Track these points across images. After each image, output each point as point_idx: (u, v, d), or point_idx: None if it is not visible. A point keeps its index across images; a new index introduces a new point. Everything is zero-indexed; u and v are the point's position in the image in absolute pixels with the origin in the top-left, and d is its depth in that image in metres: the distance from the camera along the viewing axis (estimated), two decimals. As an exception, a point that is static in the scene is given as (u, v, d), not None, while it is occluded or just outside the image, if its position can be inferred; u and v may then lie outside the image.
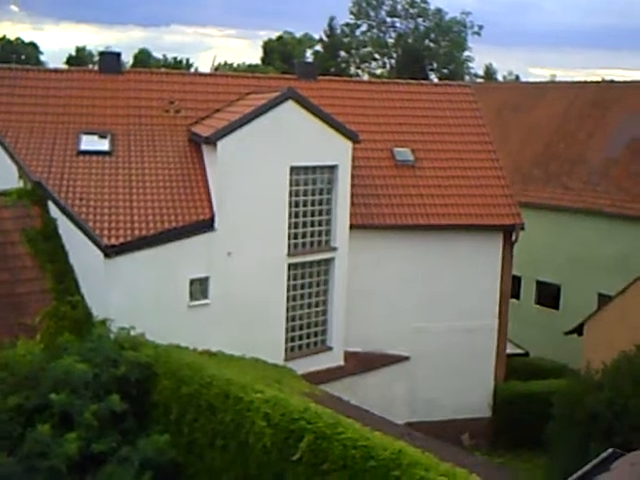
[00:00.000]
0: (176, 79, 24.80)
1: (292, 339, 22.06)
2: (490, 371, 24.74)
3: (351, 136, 21.75)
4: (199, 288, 19.82)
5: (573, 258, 31.18)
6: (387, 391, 23.24)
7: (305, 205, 21.70)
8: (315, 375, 21.34)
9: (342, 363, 22.76)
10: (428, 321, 23.68)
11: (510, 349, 26.70)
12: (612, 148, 33.29)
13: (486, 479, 10.69)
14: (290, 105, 20.64)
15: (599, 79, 43.26)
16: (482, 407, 24.55)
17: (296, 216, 21.54)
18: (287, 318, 21.64)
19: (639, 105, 33.69)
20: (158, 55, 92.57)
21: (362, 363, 23.10)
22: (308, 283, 22.24)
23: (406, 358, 23.73)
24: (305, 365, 21.55)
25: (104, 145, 21.26)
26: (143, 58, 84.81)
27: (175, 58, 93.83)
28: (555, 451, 18.92)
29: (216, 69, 72.77)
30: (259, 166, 20.18)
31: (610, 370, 18.40)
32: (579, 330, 24.45)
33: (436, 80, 63.23)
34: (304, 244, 21.92)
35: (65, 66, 68.45)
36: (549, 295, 32.78)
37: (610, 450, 3.80)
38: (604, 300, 26.12)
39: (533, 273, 32.64)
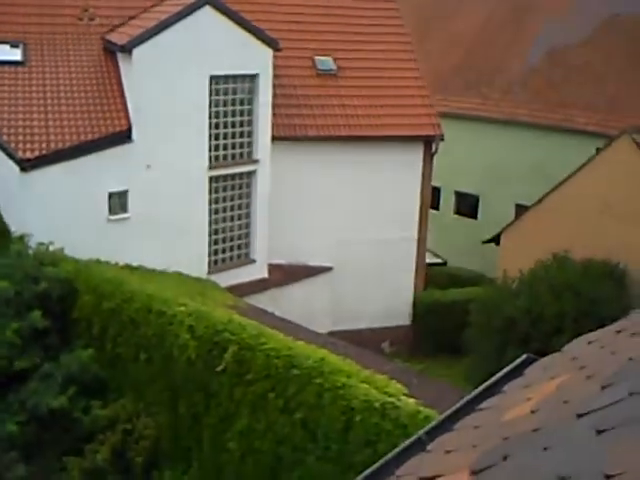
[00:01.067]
0: (88, -16, 23.73)
1: (215, 252, 21.99)
2: (410, 280, 25.22)
3: (272, 43, 21.30)
4: (118, 202, 19.47)
5: (491, 169, 31.64)
6: (310, 302, 23.51)
7: (226, 116, 21.34)
8: (239, 287, 21.41)
9: (266, 275, 22.87)
10: (351, 232, 23.85)
11: (429, 259, 27.22)
12: (532, 57, 33.48)
13: (405, 384, 10.99)
14: (208, 11, 20.04)
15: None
16: (402, 315, 25.11)
17: (217, 127, 21.18)
18: (210, 231, 21.52)
19: (558, 15, 33.83)
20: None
21: (285, 275, 23.24)
22: (230, 196, 22.07)
23: (329, 269, 23.98)
24: (229, 278, 21.57)
25: (16, 55, 20.35)
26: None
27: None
28: (473, 357, 19.55)
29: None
30: (177, 75, 19.66)
31: (527, 278, 18.94)
32: (496, 240, 25.01)
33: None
34: (225, 156, 21.64)
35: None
36: (468, 205, 33.34)
37: (524, 356, 3.92)
38: (521, 210, 26.71)
39: (452, 184, 33.05)
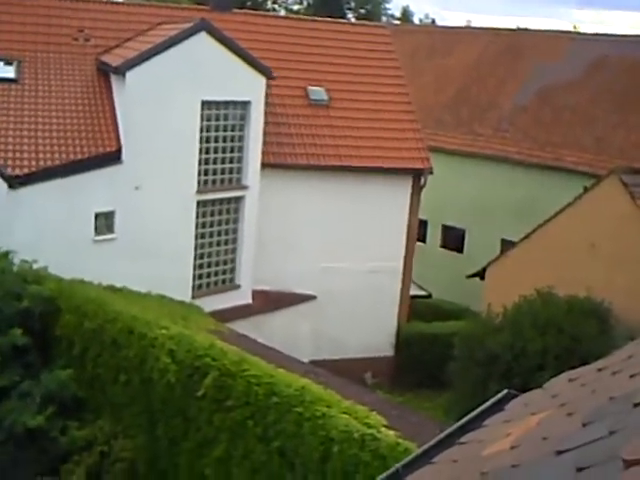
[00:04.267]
0: (87, 6, 23.79)
1: (200, 276, 21.94)
2: (394, 311, 25.22)
3: (265, 72, 21.44)
4: (105, 222, 19.44)
5: (479, 204, 31.80)
6: (293, 330, 23.45)
7: (217, 141, 21.41)
8: (222, 313, 21.33)
9: (250, 301, 22.82)
10: (336, 261, 23.87)
11: (414, 291, 27.23)
12: (523, 96, 33.84)
13: (386, 416, 10.94)
14: (203, 37, 20.17)
15: (513, 26, 43.67)
16: (385, 346, 25.07)
17: (207, 152, 21.23)
18: (195, 255, 21.49)
19: (550, 54, 34.24)
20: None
21: (270, 302, 23.20)
22: (218, 221, 22.07)
23: (313, 297, 23.95)
24: (213, 303, 21.50)
25: (10, 72, 20.38)
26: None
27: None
28: (455, 391, 19.49)
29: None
30: (169, 99, 19.73)
31: (510, 313, 18.95)
32: (481, 274, 25.06)
33: (353, 20, 62.79)
34: (214, 181, 21.68)
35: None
36: (454, 239, 33.45)
37: (505, 391, 3.92)
38: (507, 245, 26.81)
39: (440, 217, 33.18)
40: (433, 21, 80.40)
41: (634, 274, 19.56)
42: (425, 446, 3.67)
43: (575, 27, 57.84)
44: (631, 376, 2.82)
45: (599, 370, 3.60)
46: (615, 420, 2.25)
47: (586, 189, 22.12)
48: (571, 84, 32.67)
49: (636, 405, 2.24)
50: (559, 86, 32.97)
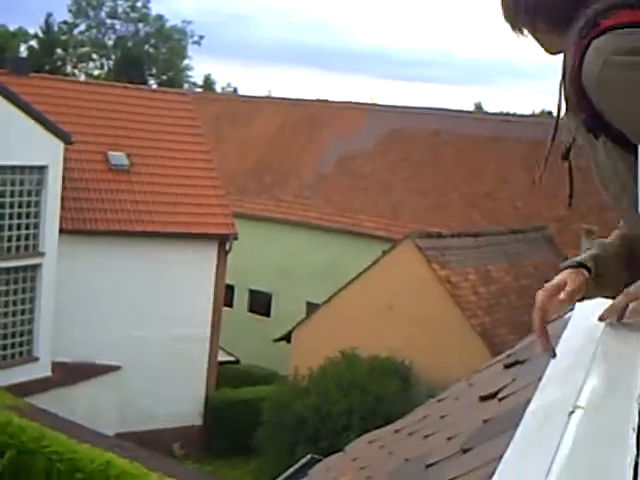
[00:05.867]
0: None
1: (-6, 349, 20.74)
2: (202, 379, 24.89)
3: (63, 136, 20.92)
4: None
5: (284, 268, 32.29)
6: (97, 402, 22.54)
7: (12, 207, 20.53)
8: (20, 387, 20.18)
9: (49, 374, 21.77)
10: (141, 329, 23.31)
11: (222, 357, 27.07)
12: (323, 164, 35.05)
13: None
14: (-2, 100, 19.47)
15: (313, 97, 45.36)
16: (194, 415, 24.62)
17: (1, 218, 20.30)
18: (-11, 327, 20.32)
19: (348, 126, 35.80)
20: None
21: (70, 373, 22.23)
22: (13, 290, 21.04)
23: (117, 367, 23.20)
24: (9, 376, 20.30)
25: None
26: None
27: None
28: (264, 456, 19.43)
29: None
30: (-39, 164, 18.80)
31: (316, 376, 19.24)
32: (288, 337, 25.33)
33: (155, 86, 62.74)
34: (9, 248, 20.70)
35: None
36: (261, 303, 33.69)
37: (308, 456, 3.97)
38: (312, 308, 27.31)
39: (246, 282, 33.34)
40: (235, 90, 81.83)
41: (431, 333, 20.49)
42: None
43: (372, 99, 60.74)
44: (425, 437, 2.93)
45: (396, 431, 3.72)
46: (409, 482, 2.33)
47: (384, 253, 23.04)
48: (369, 153, 34.24)
49: (428, 466, 2.33)
50: (357, 155, 34.46)
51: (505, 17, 1.95)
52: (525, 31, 1.94)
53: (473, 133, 33.15)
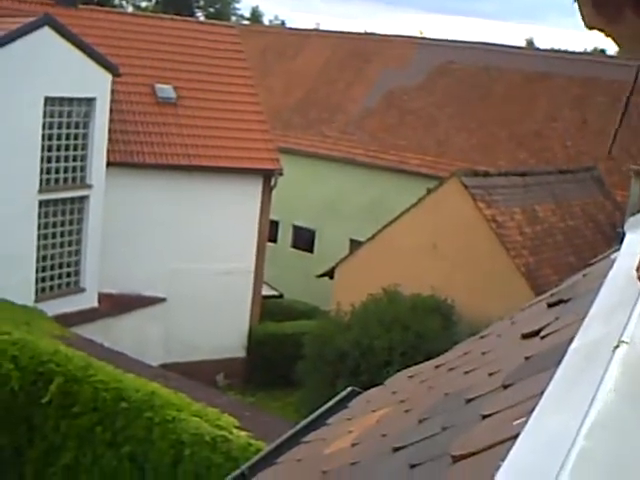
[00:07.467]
0: None
1: (43, 279, 21.13)
2: (246, 312, 25.20)
3: (111, 68, 20.91)
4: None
5: (328, 205, 32.28)
6: (142, 333, 22.98)
7: (59, 139, 20.68)
8: (67, 317, 20.61)
9: (96, 305, 22.19)
10: (186, 262, 23.59)
11: (266, 291, 27.32)
12: (370, 99, 34.63)
13: (238, 417, 10.94)
14: (46, 32, 19.43)
15: (361, 30, 44.64)
16: (237, 348, 25.00)
17: (49, 150, 20.47)
18: (38, 257, 20.67)
19: (396, 59, 35.23)
20: None
21: (117, 305, 22.64)
22: (61, 221, 21.33)
23: (162, 299, 23.58)
24: (57, 307, 20.73)
25: None
26: None
27: None
28: (305, 389, 19.71)
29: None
30: (9, 94, 18.87)
31: (358, 312, 19.34)
32: (331, 274, 25.44)
33: (202, 18, 62.31)
34: (57, 180, 20.95)
35: None
36: (305, 239, 33.80)
37: (349, 389, 4.01)
38: (355, 245, 27.34)
39: (290, 217, 33.44)
40: (283, 23, 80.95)
41: (474, 273, 20.39)
42: (270, 447, 3.69)
43: (421, 32, 59.67)
44: (465, 372, 2.93)
45: (437, 367, 3.72)
46: (448, 416, 2.33)
47: (429, 191, 22.86)
48: (416, 88, 33.72)
49: (468, 401, 2.33)
50: (405, 90, 33.97)
51: None
52: None
53: (524, 70, 32.44)
